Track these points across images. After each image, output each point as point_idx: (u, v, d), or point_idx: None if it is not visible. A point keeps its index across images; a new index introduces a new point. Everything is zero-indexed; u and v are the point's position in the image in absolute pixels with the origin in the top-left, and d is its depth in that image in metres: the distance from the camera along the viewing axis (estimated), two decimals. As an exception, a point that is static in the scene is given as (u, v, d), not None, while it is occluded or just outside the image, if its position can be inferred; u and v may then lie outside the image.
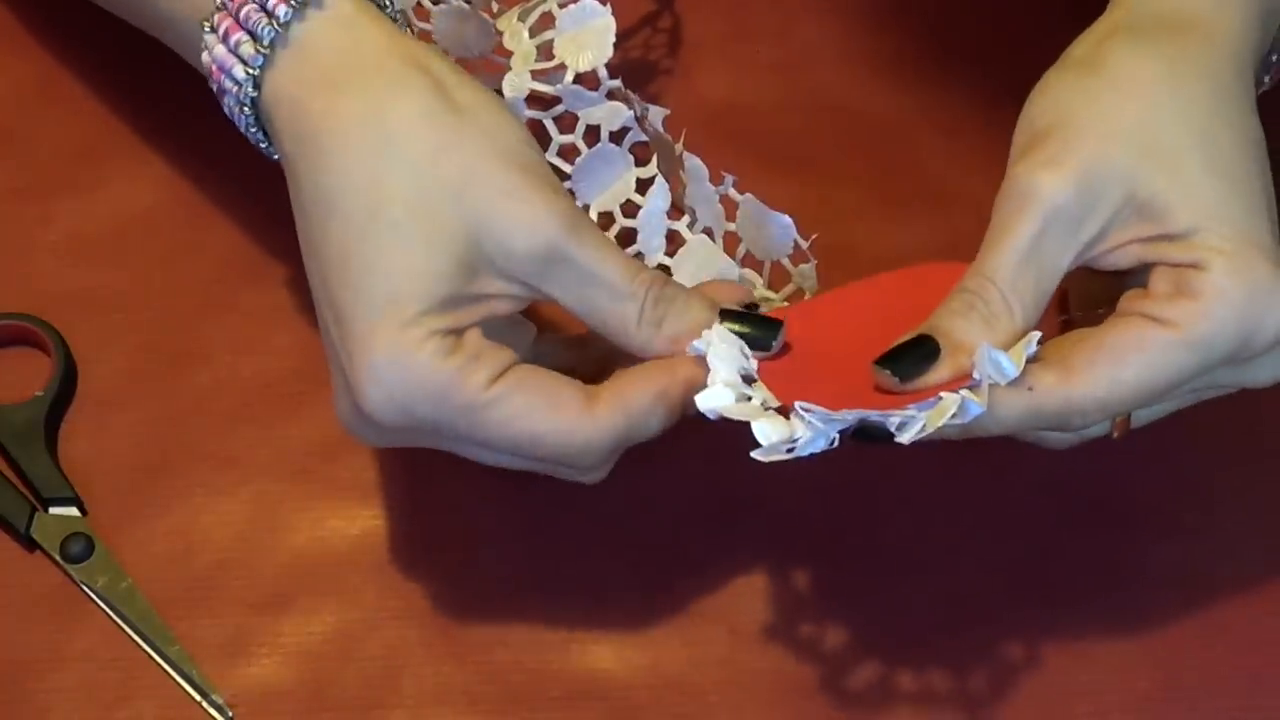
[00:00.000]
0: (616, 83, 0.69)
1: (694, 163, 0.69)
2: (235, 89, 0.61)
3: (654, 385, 0.61)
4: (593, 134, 0.71)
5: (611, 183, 0.71)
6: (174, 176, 0.74)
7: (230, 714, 0.64)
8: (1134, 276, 0.61)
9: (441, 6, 0.72)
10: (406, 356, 0.59)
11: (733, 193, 0.69)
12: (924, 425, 0.58)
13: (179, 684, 0.65)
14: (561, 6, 0.69)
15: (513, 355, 0.60)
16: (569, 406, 0.60)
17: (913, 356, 0.60)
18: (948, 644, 0.65)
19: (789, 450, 0.59)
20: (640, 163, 0.72)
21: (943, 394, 0.59)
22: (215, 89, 0.63)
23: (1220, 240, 0.59)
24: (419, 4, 0.74)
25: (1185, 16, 0.62)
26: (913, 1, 0.80)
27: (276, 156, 0.63)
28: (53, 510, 0.67)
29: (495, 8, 0.74)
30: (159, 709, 0.64)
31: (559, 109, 0.71)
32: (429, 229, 0.59)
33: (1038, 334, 0.60)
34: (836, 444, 0.59)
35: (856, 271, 0.72)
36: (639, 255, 0.70)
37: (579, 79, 0.69)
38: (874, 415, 0.59)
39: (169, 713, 0.64)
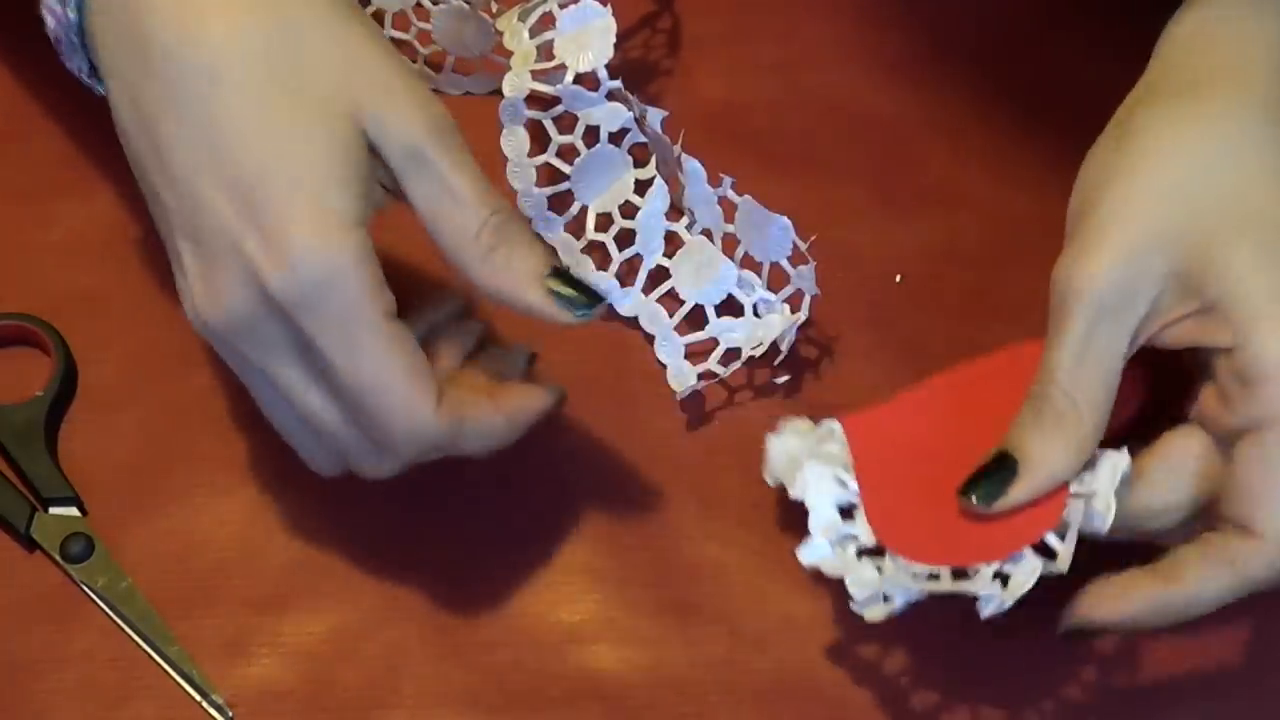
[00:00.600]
0: (616, 83, 0.69)
1: (692, 164, 0.69)
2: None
3: (507, 404, 0.62)
4: (592, 135, 0.71)
5: (610, 184, 0.71)
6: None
7: (230, 714, 0.64)
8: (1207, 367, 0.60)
9: (441, 6, 0.72)
10: (330, 241, 0.57)
11: (731, 194, 0.69)
12: (1001, 603, 0.60)
13: (179, 684, 0.65)
14: (562, 7, 0.69)
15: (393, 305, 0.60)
16: (428, 388, 0.60)
17: (992, 480, 0.60)
18: (948, 644, 0.65)
19: (885, 600, 0.61)
20: (639, 164, 0.72)
21: (1027, 551, 0.60)
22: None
23: (1263, 299, 0.58)
24: (419, 4, 0.74)
25: (1214, 67, 0.61)
26: (913, 1, 0.80)
27: (98, 84, 0.62)
28: (53, 510, 0.67)
29: (495, 8, 0.74)
30: (159, 709, 0.64)
31: (558, 109, 0.71)
32: (324, 103, 0.59)
33: (1125, 461, 0.60)
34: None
35: (857, 271, 0.72)
36: (638, 256, 0.70)
37: (579, 79, 0.69)
38: (950, 587, 0.61)
39: (169, 713, 0.64)
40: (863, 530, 0.63)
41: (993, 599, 0.60)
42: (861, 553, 0.62)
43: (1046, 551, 0.61)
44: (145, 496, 0.68)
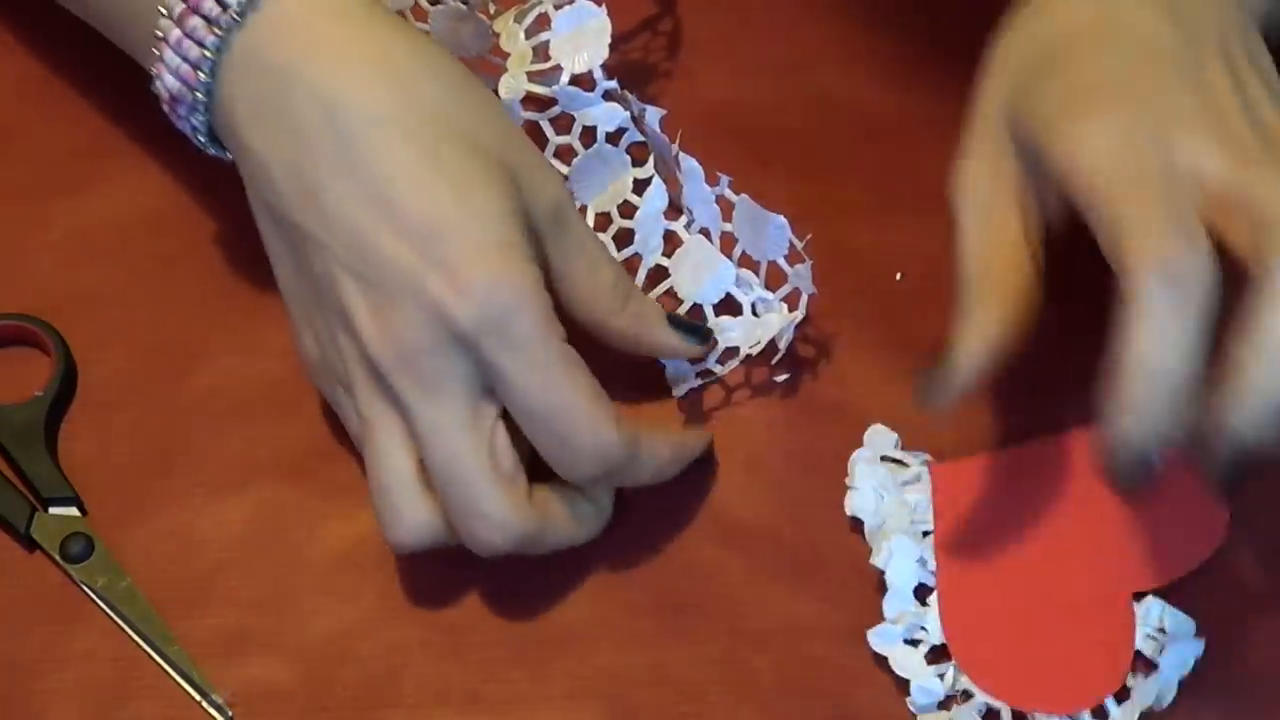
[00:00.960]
0: (613, 83, 0.69)
1: (690, 163, 0.69)
2: (199, 52, 0.62)
3: (672, 437, 0.66)
4: (589, 135, 0.71)
5: (609, 184, 0.71)
6: (174, 177, 0.74)
7: (230, 714, 0.64)
8: None
9: (439, 7, 0.72)
10: (513, 271, 0.60)
11: (728, 193, 0.69)
12: None
13: (179, 684, 0.65)
14: (557, 8, 0.69)
15: None
16: (610, 409, 0.62)
17: (932, 376, 0.61)
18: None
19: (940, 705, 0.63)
20: (637, 163, 0.72)
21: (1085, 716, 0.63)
22: (161, 68, 0.63)
23: (1050, 121, 0.59)
24: (417, 4, 0.74)
25: None
26: (913, 1, 0.80)
27: (226, 154, 0.64)
28: (53, 510, 0.67)
29: (492, 9, 0.74)
30: (159, 709, 0.64)
31: (555, 110, 0.71)
32: (488, 156, 0.62)
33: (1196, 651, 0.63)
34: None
35: (856, 271, 0.72)
36: (636, 255, 0.70)
37: (575, 80, 0.69)
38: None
39: (169, 713, 0.64)
40: (933, 625, 0.64)
41: None
42: (930, 653, 0.64)
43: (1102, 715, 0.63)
44: (145, 496, 0.68)
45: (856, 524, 0.67)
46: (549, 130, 0.71)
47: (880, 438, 0.68)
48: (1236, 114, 0.59)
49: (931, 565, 0.65)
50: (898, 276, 0.72)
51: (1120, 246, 0.56)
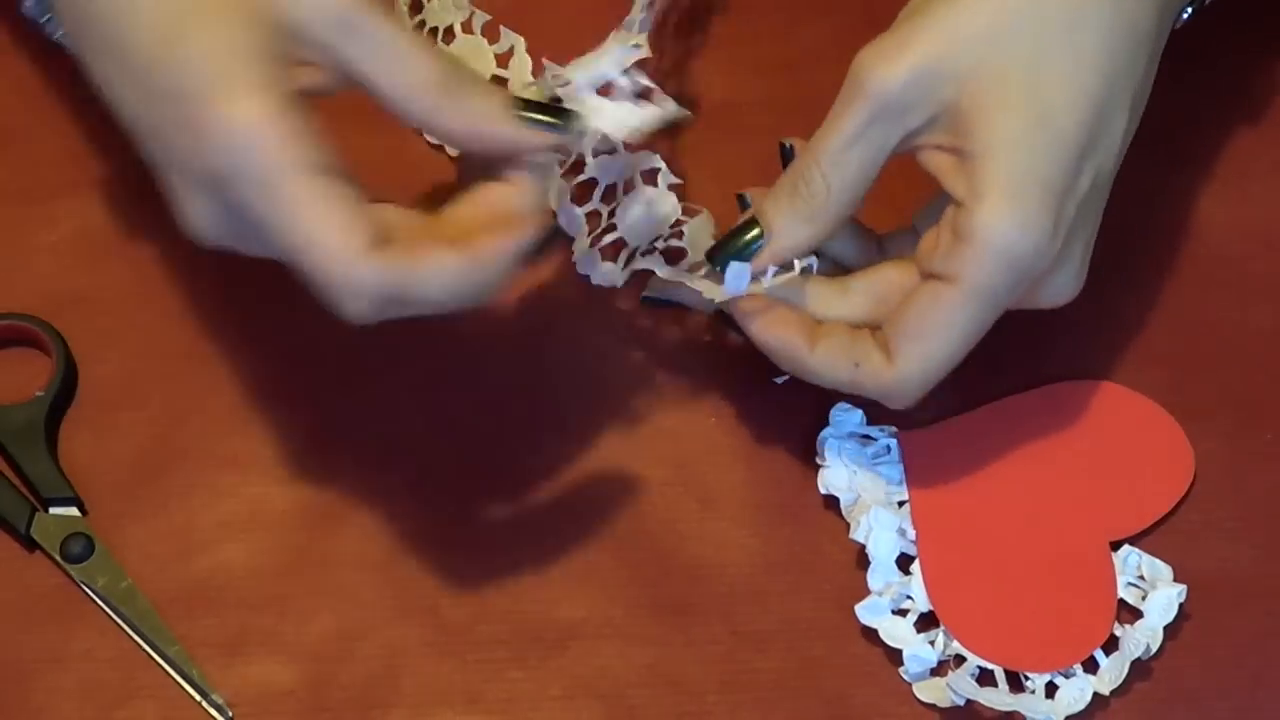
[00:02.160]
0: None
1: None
2: None
3: (462, 252, 0.59)
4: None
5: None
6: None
7: (230, 714, 0.64)
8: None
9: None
10: (238, 108, 0.57)
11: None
12: None
13: (179, 684, 0.65)
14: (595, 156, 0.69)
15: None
16: (358, 237, 0.57)
17: (736, 241, 0.64)
18: (948, 644, 0.65)
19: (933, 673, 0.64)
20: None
21: (1078, 669, 0.64)
22: None
23: (1004, 172, 0.60)
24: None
25: None
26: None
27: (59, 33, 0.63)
28: (53, 510, 0.67)
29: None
30: (159, 709, 0.64)
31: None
32: (237, 5, 0.58)
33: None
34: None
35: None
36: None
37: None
38: (1008, 702, 0.64)
39: (169, 713, 0.64)
40: (919, 594, 0.65)
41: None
42: (919, 621, 0.65)
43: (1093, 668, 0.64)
44: (145, 496, 0.68)
45: (831, 502, 0.67)
46: None
47: (845, 415, 0.68)
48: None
49: (911, 534, 0.66)
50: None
51: (895, 344, 0.63)
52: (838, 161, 0.62)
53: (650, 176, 0.70)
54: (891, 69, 0.61)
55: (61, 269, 0.72)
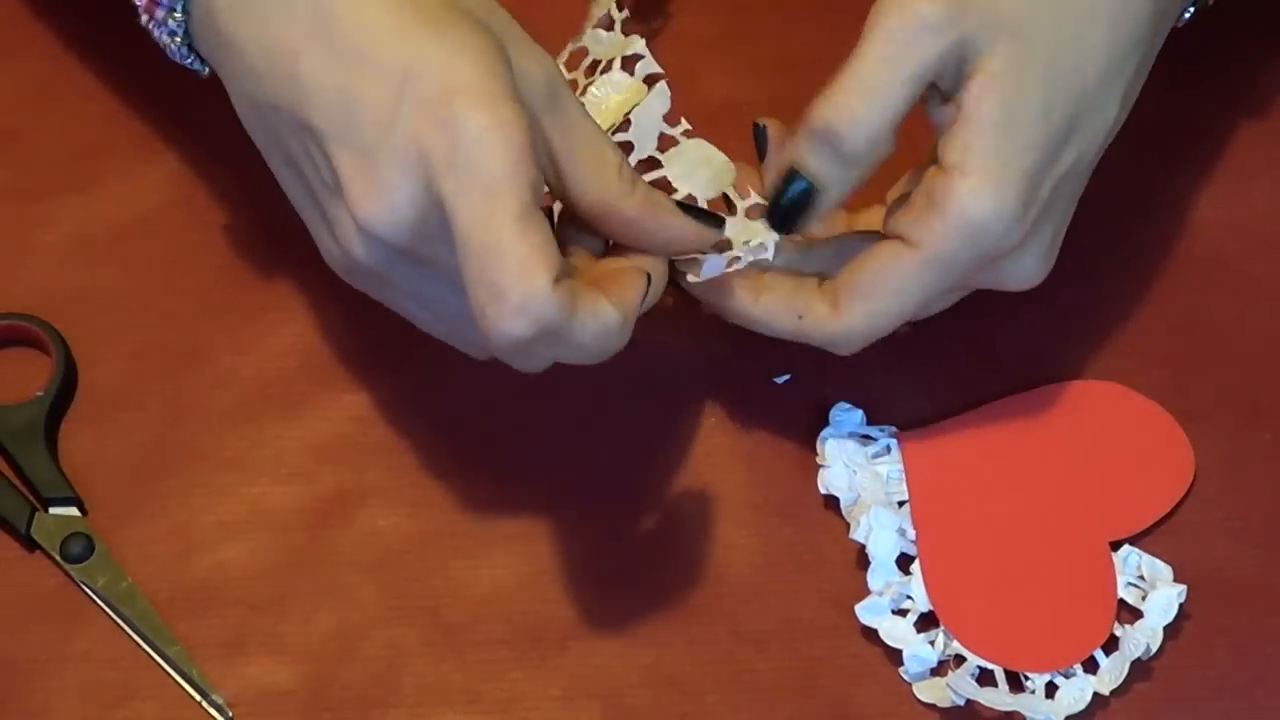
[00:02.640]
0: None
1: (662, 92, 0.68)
2: None
3: (609, 298, 0.60)
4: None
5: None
6: (174, 177, 0.74)
7: (230, 714, 0.64)
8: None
9: None
10: (493, 101, 0.57)
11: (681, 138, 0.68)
12: None
13: (179, 684, 0.65)
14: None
15: None
16: (548, 262, 0.57)
17: (787, 201, 0.64)
18: (948, 644, 0.65)
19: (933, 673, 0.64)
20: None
21: (1078, 670, 0.64)
22: None
23: (992, 150, 0.61)
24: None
25: None
26: None
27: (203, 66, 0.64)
28: (53, 510, 0.67)
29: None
30: (159, 709, 0.64)
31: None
32: (470, 12, 0.59)
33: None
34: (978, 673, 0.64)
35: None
36: (629, 143, 0.68)
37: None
38: (1007, 702, 0.64)
39: (169, 713, 0.64)
40: (919, 594, 0.65)
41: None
42: (919, 621, 0.65)
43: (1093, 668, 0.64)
44: (145, 496, 0.68)
45: (831, 502, 0.67)
46: None
47: (845, 415, 0.68)
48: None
49: (911, 534, 0.66)
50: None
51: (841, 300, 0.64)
52: (874, 96, 0.62)
53: (630, 63, 0.70)
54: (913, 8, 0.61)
55: (61, 269, 0.72)
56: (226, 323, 0.71)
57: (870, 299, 0.63)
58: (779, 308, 0.65)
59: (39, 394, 0.69)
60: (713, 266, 0.64)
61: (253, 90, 0.61)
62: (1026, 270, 0.64)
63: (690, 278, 0.64)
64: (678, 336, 0.71)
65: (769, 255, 0.64)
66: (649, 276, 0.62)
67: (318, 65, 0.59)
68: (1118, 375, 0.70)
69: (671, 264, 0.64)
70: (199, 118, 0.71)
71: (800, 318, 0.64)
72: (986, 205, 0.61)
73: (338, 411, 0.69)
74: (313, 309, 0.71)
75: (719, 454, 0.69)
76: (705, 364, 0.71)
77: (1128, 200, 0.74)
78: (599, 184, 0.61)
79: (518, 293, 0.57)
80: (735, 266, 0.64)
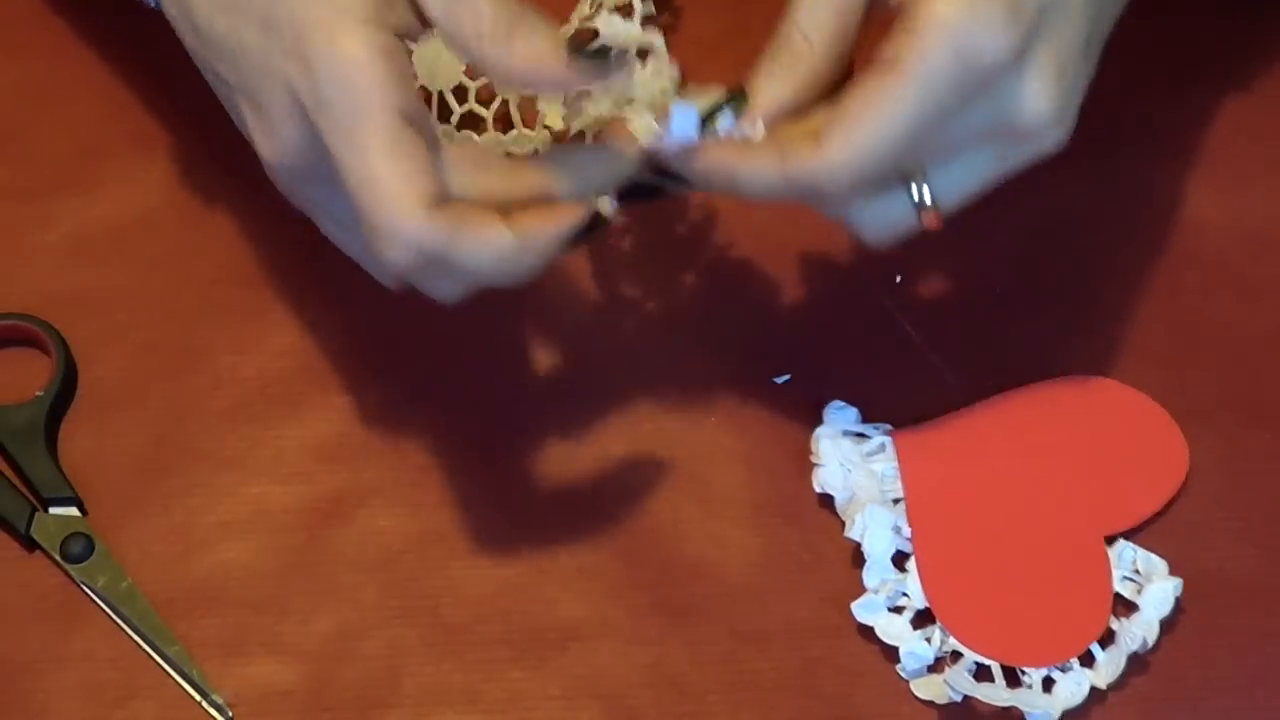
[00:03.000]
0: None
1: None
2: None
3: (510, 227, 0.59)
4: None
5: None
6: (174, 177, 0.74)
7: (230, 714, 0.64)
8: None
9: None
10: (344, 39, 0.57)
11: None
12: (1049, 715, 0.64)
13: (179, 684, 0.65)
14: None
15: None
16: (422, 189, 0.58)
17: (727, 108, 0.62)
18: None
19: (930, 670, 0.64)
20: None
21: (1074, 664, 0.64)
22: None
23: None
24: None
25: None
26: None
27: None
28: (53, 510, 0.67)
29: None
30: (159, 709, 0.64)
31: None
32: None
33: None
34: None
35: (857, 271, 0.72)
36: None
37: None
38: (1005, 697, 0.64)
39: (169, 713, 0.64)
40: (915, 590, 0.65)
41: (1041, 715, 0.63)
42: (915, 618, 0.65)
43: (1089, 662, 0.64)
44: (145, 496, 0.68)
45: (827, 500, 0.67)
46: None
47: (839, 413, 0.68)
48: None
49: (906, 532, 0.66)
50: (897, 279, 0.72)
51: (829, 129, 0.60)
52: (813, 17, 0.61)
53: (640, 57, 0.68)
54: None
55: (61, 269, 0.72)
56: (226, 323, 0.71)
57: (852, 127, 0.59)
58: (762, 158, 0.61)
59: (39, 394, 0.69)
60: (683, 126, 0.61)
61: (187, 45, 0.63)
62: (1033, 104, 0.60)
63: (653, 142, 0.62)
64: (678, 337, 0.71)
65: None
66: (565, 209, 0.60)
67: (207, 14, 0.61)
68: (1117, 374, 0.70)
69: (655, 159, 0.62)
70: (198, 119, 0.71)
71: (784, 161, 0.60)
72: (965, 8, 0.58)
73: (338, 411, 0.69)
74: (312, 309, 0.71)
75: (719, 454, 0.69)
76: (705, 364, 0.71)
77: (1128, 200, 0.74)
78: (476, 40, 0.59)
79: (390, 222, 0.58)
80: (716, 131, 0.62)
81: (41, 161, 0.75)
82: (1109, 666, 0.64)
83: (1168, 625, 0.65)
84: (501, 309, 0.71)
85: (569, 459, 0.69)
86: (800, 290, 0.72)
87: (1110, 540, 0.66)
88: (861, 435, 0.68)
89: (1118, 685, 0.64)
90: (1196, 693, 0.65)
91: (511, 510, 0.68)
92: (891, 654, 0.65)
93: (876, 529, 0.66)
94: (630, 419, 0.69)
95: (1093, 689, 0.64)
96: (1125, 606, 0.65)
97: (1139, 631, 0.64)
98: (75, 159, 0.75)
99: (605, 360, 0.71)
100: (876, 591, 0.65)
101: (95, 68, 0.76)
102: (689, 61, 0.77)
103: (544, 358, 0.71)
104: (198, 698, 0.64)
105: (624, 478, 0.68)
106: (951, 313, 0.71)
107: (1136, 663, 0.65)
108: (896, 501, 0.67)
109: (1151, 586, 0.65)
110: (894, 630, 0.64)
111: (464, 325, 0.70)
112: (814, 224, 0.69)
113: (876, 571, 0.65)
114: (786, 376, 0.70)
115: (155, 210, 0.74)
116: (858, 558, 0.66)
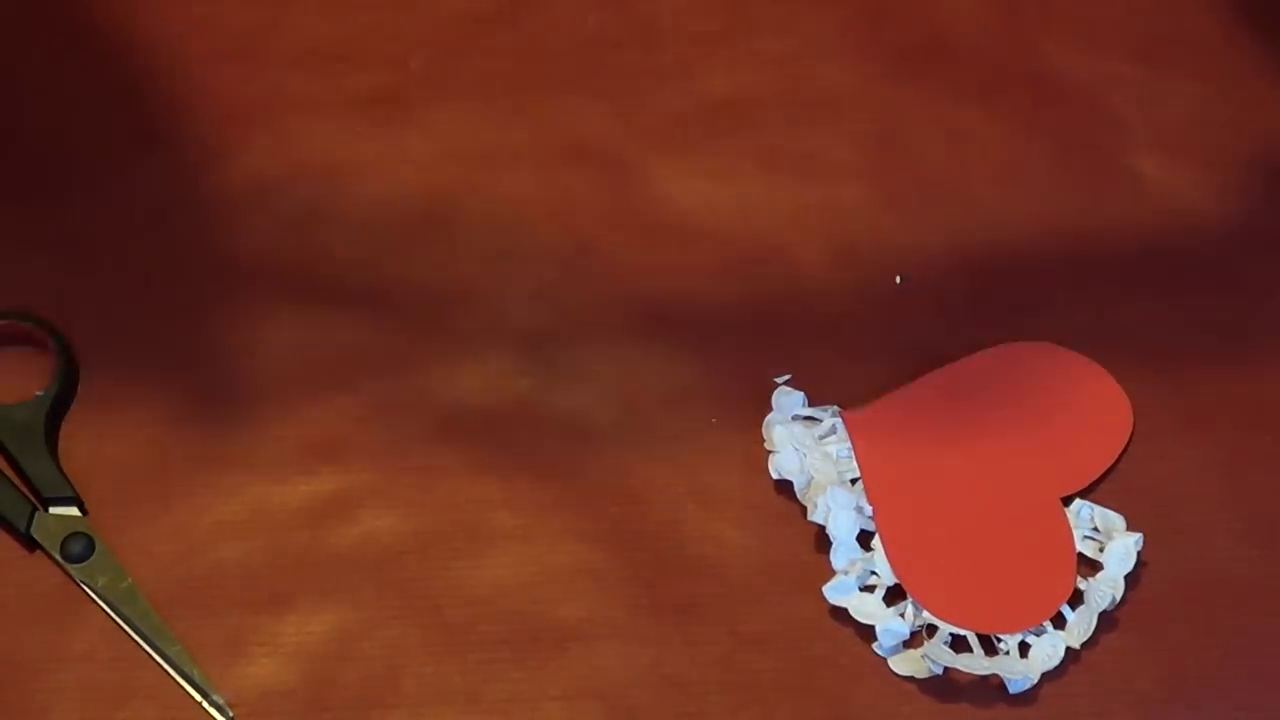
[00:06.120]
0: None
1: None
2: None
3: None
4: None
5: None
6: (174, 177, 0.74)
7: (230, 714, 0.64)
8: None
9: None
10: None
11: None
12: (1028, 680, 0.64)
13: (179, 684, 0.65)
14: None
15: None
16: None
17: None
18: (948, 644, 0.65)
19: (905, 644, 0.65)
20: None
21: (1048, 627, 0.64)
22: None
23: None
24: None
25: None
26: (913, -1, 0.80)
27: None
28: (53, 510, 0.67)
29: None
30: (159, 709, 0.64)
31: None
32: None
33: (1137, 541, 0.65)
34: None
35: (857, 271, 0.72)
36: None
37: None
38: (983, 665, 0.64)
39: (169, 713, 0.64)
40: (883, 568, 0.65)
41: (1020, 680, 0.64)
42: (887, 595, 0.65)
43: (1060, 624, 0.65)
44: (145, 496, 0.68)
45: (784, 486, 0.67)
46: None
47: (787, 398, 0.69)
48: None
49: (868, 510, 0.66)
50: (897, 280, 0.72)
51: None
52: None
53: None
54: None
55: (61, 269, 0.72)
56: (226, 322, 0.71)
57: None
58: None
59: (39, 394, 0.69)
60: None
61: None
62: None
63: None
64: (678, 336, 0.71)
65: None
66: None
67: None
68: (1117, 374, 0.70)
69: None
70: (198, 119, 0.71)
71: None
72: None
73: (338, 411, 0.69)
74: (313, 308, 0.71)
75: (719, 454, 0.69)
76: (705, 364, 0.71)
77: (1128, 199, 0.74)
78: None
79: None
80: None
81: (41, 161, 0.75)
82: (1080, 626, 0.64)
83: (1132, 580, 0.65)
84: (498, 308, 0.71)
85: (569, 459, 0.69)
86: (800, 290, 0.72)
87: (1067, 501, 0.67)
88: (811, 419, 0.68)
89: (1090, 644, 0.65)
90: (1197, 692, 0.65)
91: (511, 510, 0.68)
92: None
93: (839, 511, 0.66)
94: (630, 419, 0.69)
95: (1067, 650, 0.64)
96: (1089, 566, 0.66)
97: (1106, 589, 0.65)
98: (76, 159, 0.75)
99: (605, 361, 0.71)
100: (846, 572, 0.65)
101: (96, 67, 0.76)
102: (685, 59, 0.77)
103: (542, 358, 0.70)
104: (198, 698, 0.64)
105: (624, 477, 0.68)
106: (952, 313, 0.71)
107: (1106, 620, 0.65)
108: (854, 481, 0.67)
109: (1113, 544, 0.65)
110: (867, 609, 0.65)
111: (465, 327, 0.70)
112: (814, 224, 0.69)
113: (844, 553, 0.66)
114: (787, 376, 0.70)
115: (155, 210, 0.74)
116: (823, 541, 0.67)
